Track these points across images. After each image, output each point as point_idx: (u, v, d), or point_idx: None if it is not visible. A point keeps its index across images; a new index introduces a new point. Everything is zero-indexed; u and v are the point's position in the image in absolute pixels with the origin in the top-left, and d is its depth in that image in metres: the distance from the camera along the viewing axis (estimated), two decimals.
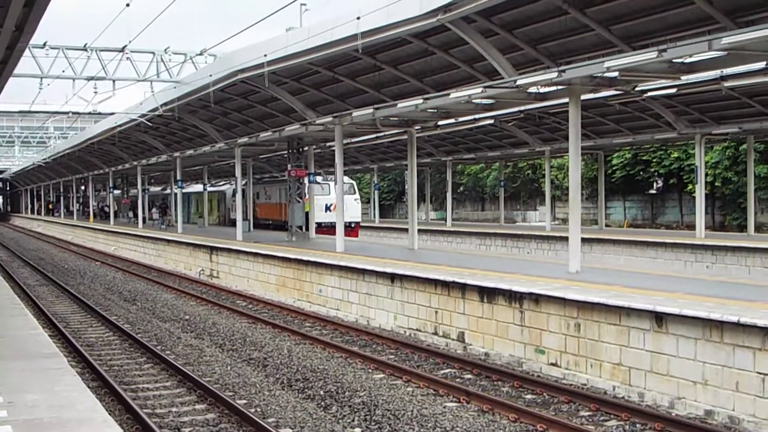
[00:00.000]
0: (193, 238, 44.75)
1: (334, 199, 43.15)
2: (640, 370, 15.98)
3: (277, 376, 18.35)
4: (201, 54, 37.26)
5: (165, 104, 39.28)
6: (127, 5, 21.78)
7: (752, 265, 34.17)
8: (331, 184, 48.17)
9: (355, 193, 52.81)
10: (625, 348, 16.29)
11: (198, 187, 74.58)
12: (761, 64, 22.26)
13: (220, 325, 25.57)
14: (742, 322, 13.89)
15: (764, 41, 16.96)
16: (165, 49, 36.51)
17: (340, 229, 32.81)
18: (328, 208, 49.66)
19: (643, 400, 15.74)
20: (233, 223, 56.49)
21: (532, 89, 23.19)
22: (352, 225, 50.78)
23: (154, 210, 69.07)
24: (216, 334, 23.90)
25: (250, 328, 24.93)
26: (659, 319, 15.51)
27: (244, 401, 16.08)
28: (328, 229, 47.43)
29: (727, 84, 27.93)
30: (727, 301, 16.04)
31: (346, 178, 48.40)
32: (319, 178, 48.81)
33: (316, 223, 46.00)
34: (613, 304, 16.53)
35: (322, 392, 16.68)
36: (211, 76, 32.48)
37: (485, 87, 23.15)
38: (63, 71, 34.71)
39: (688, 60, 19.11)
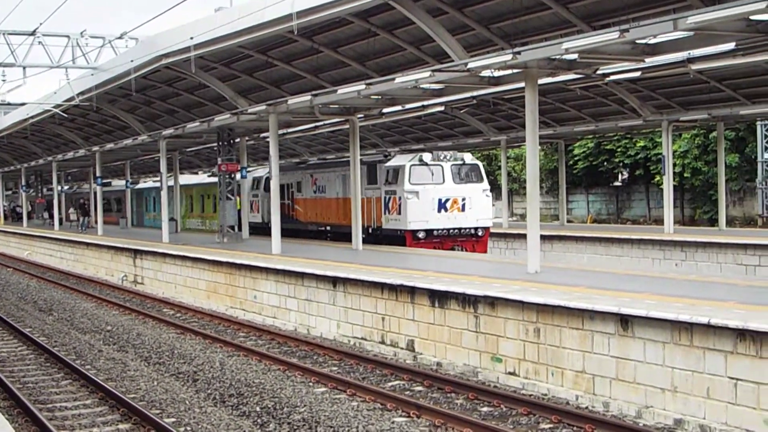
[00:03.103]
0: (114, 241, 44.40)
1: (456, 190, 35.16)
2: (604, 378, 16.10)
3: (209, 391, 18.25)
4: (121, 37, 36.90)
5: (82, 93, 38.88)
6: None
7: (724, 261, 34.60)
8: (446, 165, 35.41)
9: (481, 180, 36.29)
10: (589, 354, 16.40)
11: (190, 178, 63.12)
12: (730, 45, 22.54)
13: (145, 336, 25.40)
14: (713, 324, 14.03)
15: (733, 20, 17.18)
16: (81, 33, 36.11)
17: (276, 230, 32.65)
18: (443, 205, 35.03)
19: (608, 410, 15.85)
20: (256, 230, 46.14)
21: (485, 73, 23.31)
22: (479, 233, 35.82)
23: (71, 210, 68.46)
24: (141, 346, 23.73)
25: (178, 339, 24.79)
26: (625, 322, 15.63)
27: (173, 419, 15.98)
28: (443, 240, 35.00)
29: (694, 67, 28.29)
30: (697, 302, 16.21)
31: (467, 156, 36.74)
32: (426, 156, 35.44)
33: (424, 230, 34.72)
34: (575, 306, 16.63)
35: (258, 408, 16.61)
36: (132, 61, 32.21)
37: (433, 71, 23.21)
38: None
39: (653, 41, 19.36)
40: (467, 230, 35.14)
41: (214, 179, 49.74)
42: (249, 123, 35.88)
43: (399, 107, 33.05)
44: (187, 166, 67.41)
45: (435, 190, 34.55)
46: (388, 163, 36.37)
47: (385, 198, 35.93)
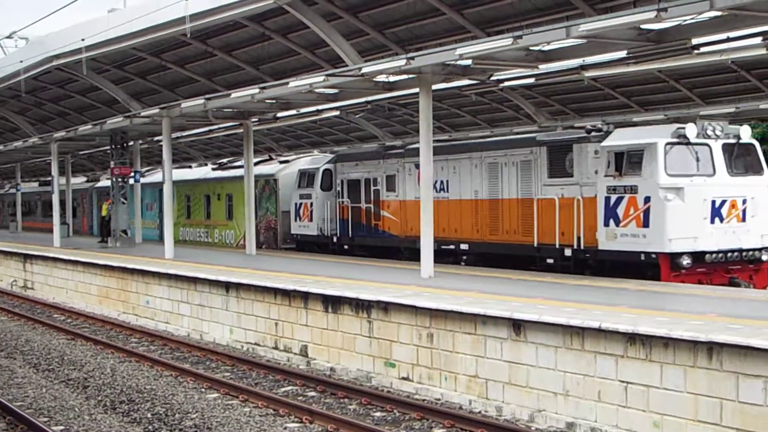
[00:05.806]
0: (3, 245, 43.56)
1: (733, 187, 21.80)
2: (497, 383, 16.18)
3: (99, 398, 17.97)
4: (10, 37, 36.44)
5: None
6: None
7: None
8: (715, 145, 21.88)
9: (761, 170, 22.73)
10: (482, 359, 16.47)
11: (185, 173, 47.52)
12: (622, 53, 22.85)
13: (34, 342, 24.96)
14: (603, 328, 14.18)
15: (624, 29, 17.45)
16: None
17: (168, 235, 32.32)
18: (717, 212, 21.55)
19: (501, 414, 15.93)
20: (304, 246, 36.23)
21: (380, 78, 23.34)
22: (762, 256, 22.24)
23: None
24: (30, 353, 23.31)
25: (68, 345, 24.40)
26: (517, 327, 15.72)
27: (61, 427, 15.68)
28: (713, 269, 21.50)
29: (588, 74, 28.56)
30: (588, 306, 16.39)
31: (744, 131, 22.49)
32: (690, 130, 21.44)
33: (690, 253, 20.90)
34: (468, 311, 16.68)
35: (149, 415, 16.39)
36: (21, 62, 31.74)
37: (328, 75, 23.18)
38: None
39: (546, 48, 19.56)
40: (749, 253, 21.95)
41: (225, 173, 41.79)
42: (143, 126, 35.50)
43: (294, 111, 32.98)
44: (80, 169, 66.37)
45: (706, 186, 21.41)
46: (611, 142, 22.83)
47: (608, 200, 22.42)
